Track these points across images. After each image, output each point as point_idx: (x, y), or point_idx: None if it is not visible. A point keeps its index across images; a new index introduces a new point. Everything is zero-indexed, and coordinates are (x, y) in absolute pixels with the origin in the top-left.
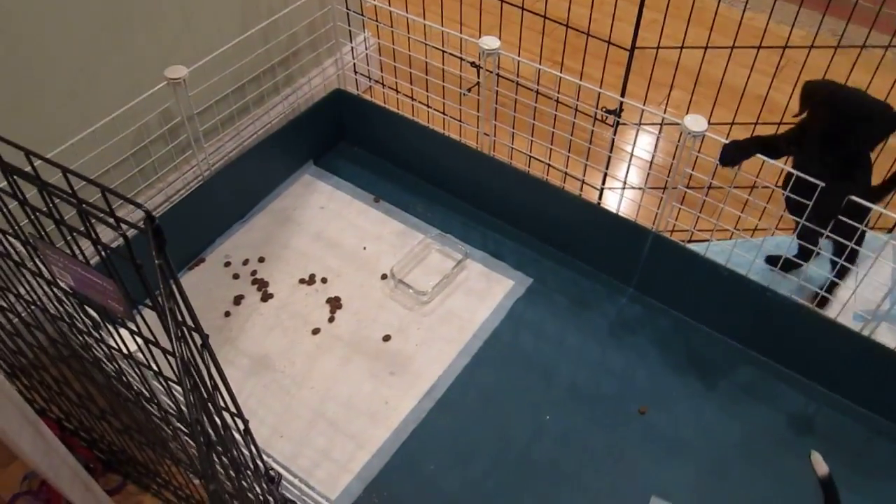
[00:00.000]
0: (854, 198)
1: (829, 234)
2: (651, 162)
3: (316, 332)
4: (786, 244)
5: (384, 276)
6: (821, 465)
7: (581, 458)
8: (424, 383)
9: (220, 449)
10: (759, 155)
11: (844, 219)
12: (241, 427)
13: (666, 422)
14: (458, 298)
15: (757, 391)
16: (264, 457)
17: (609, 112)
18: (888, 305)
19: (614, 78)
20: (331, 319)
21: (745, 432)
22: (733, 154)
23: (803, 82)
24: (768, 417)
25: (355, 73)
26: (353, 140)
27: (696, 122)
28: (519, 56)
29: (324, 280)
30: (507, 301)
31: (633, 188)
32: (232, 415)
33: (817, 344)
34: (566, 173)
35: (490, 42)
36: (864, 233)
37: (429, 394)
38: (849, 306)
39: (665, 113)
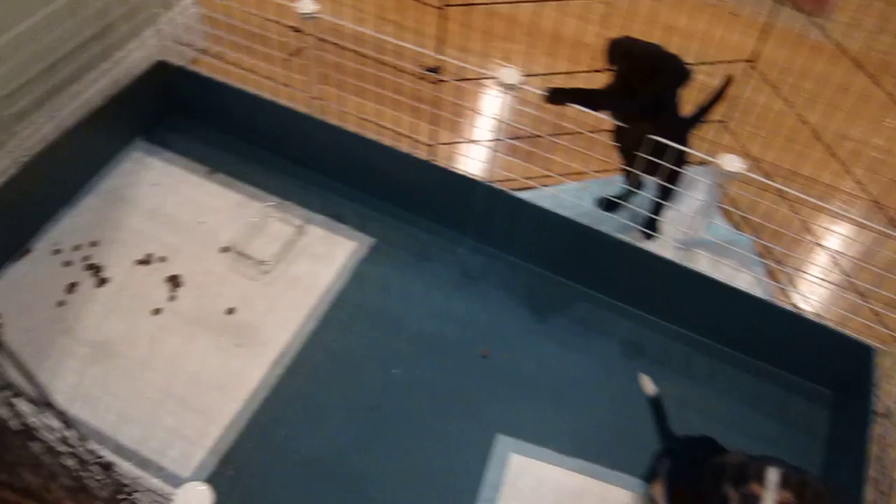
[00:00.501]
0: (656, 137)
1: (641, 173)
2: (490, 116)
3: (157, 312)
4: (614, 186)
5: (224, 249)
6: (649, 386)
7: (429, 404)
8: (272, 351)
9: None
10: (577, 106)
11: (649, 156)
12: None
13: (507, 361)
14: (302, 264)
15: (591, 324)
16: (96, 445)
17: (428, 70)
18: (698, 234)
19: (449, 35)
20: (172, 298)
21: (581, 363)
22: (559, 97)
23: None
24: (602, 347)
25: (179, 43)
26: (184, 113)
27: (510, 76)
28: (344, 19)
29: (162, 258)
30: (350, 262)
31: (463, 142)
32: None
33: (640, 275)
34: (397, 132)
35: (306, 6)
36: (680, 168)
37: (277, 361)
38: (670, 236)
39: (493, 65)
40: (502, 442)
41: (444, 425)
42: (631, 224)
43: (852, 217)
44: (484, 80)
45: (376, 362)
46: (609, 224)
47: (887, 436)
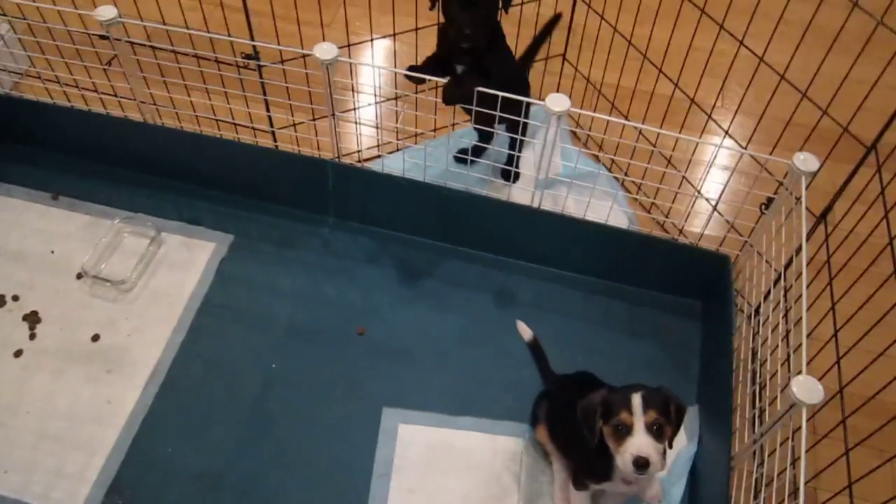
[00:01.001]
0: (484, 89)
1: (480, 126)
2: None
3: (18, 354)
4: (468, 138)
5: (80, 276)
6: (525, 331)
7: (312, 392)
8: (144, 371)
9: None
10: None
11: (480, 108)
12: None
13: (385, 334)
14: (162, 276)
15: (462, 281)
16: None
17: (247, 57)
18: (553, 173)
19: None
20: (32, 336)
21: (458, 323)
22: (415, 76)
23: None
24: (476, 302)
25: None
26: (15, 140)
27: (326, 51)
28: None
29: (15, 298)
30: (212, 264)
31: (301, 122)
32: None
33: (501, 224)
34: (235, 124)
35: (106, 12)
36: (526, 113)
37: (151, 380)
38: (528, 180)
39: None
40: (389, 415)
41: (329, 410)
42: (491, 173)
43: (692, 139)
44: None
45: (253, 361)
46: (469, 177)
47: (754, 332)
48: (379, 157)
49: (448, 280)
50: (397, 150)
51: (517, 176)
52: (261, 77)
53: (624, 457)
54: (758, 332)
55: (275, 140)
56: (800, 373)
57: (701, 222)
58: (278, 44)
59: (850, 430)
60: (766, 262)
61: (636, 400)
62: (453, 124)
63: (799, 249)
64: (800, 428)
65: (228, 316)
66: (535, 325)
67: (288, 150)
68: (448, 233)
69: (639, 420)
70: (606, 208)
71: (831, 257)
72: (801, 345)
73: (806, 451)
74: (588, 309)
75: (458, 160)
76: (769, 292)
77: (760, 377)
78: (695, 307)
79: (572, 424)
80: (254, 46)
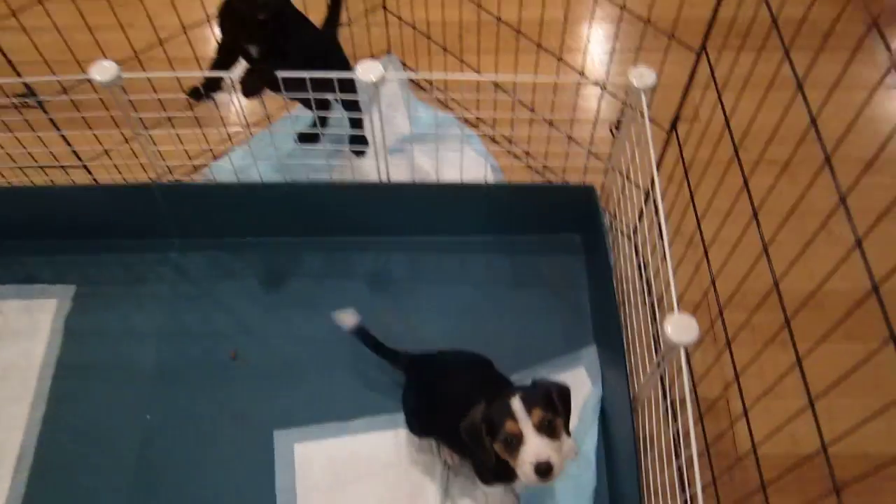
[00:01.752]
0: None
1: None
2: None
3: None
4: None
5: None
6: (348, 319)
7: (195, 434)
8: (9, 459)
9: None
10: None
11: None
12: None
13: (260, 352)
14: (6, 349)
15: (331, 273)
16: None
17: (22, 96)
18: (400, 133)
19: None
20: None
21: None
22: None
23: None
24: (351, 292)
25: None
26: None
27: (105, 71)
28: None
29: None
30: (57, 323)
31: (111, 149)
32: None
33: (355, 205)
34: (40, 166)
35: None
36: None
37: (19, 466)
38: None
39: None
40: (281, 437)
41: (217, 449)
42: (339, 147)
43: (527, 77)
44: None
45: (124, 417)
46: (312, 163)
47: (637, 255)
48: (213, 161)
49: (315, 276)
50: (225, 153)
51: (364, 143)
52: (45, 112)
53: (524, 468)
54: (640, 254)
55: (90, 173)
56: (672, 311)
57: (562, 156)
58: (53, 73)
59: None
60: (629, 180)
61: (516, 404)
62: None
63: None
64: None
65: (88, 375)
66: (414, 299)
67: (108, 183)
68: (303, 226)
69: (526, 425)
70: (468, 161)
71: (689, 168)
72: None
73: (692, 389)
74: (468, 271)
75: (303, 139)
76: (642, 212)
77: (650, 300)
78: (574, 241)
79: (447, 414)
80: (24, 83)
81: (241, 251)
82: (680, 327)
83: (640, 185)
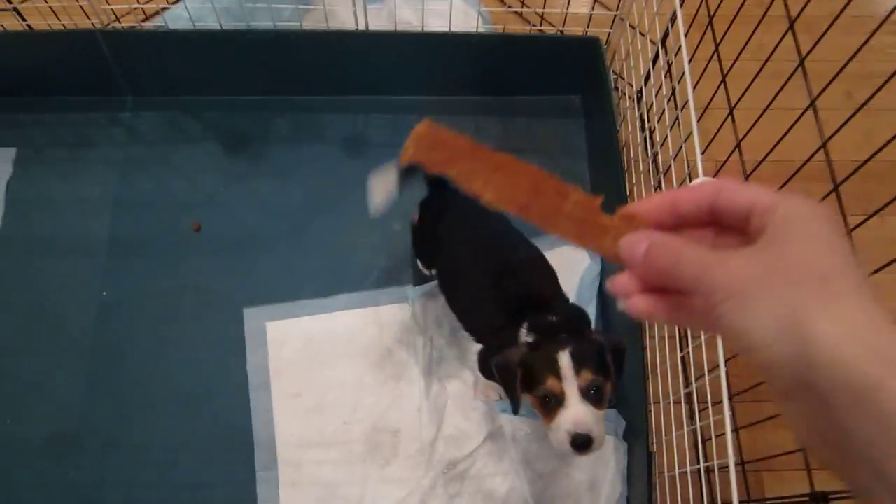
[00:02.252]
0: None
1: None
2: None
3: None
4: None
5: None
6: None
7: (156, 312)
8: None
9: None
10: None
11: None
12: None
13: (225, 223)
14: None
15: (303, 137)
16: None
17: None
18: None
19: None
20: None
21: (309, 189)
22: None
23: None
24: (326, 158)
25: None
26: None
27: None
28: None
29: None
30: None
31: None
32: None
33: (327, 59)
34: None
35: None
36: None
37: None
38: None
39: None
40: (251, 316)
41: (180, 329)
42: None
43: None
44: None
45: (77, 294)
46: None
47: (642, 118)
48: (166, 8)
49: (285, 140)
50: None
51: None
52: None
53: (558, 434)
54: (646, 118)
55: (22, 18)
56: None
57: (562, 4)
58: None
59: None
60: (642, 34)
61: (564, 360)
62: None
63: (674, 16)
64: None
65: (34, 248)
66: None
67: (44, 29)
68: (270, 83)
69: (571, 386)
70: (457, 11)
71: (714, 16)
72: (691, 134)
73: None
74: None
75: None
76: (649, 72)
77: (658, 172)
78: (573, 103)
79: (465, 282)
80: None
81: (201, 111)
82: None
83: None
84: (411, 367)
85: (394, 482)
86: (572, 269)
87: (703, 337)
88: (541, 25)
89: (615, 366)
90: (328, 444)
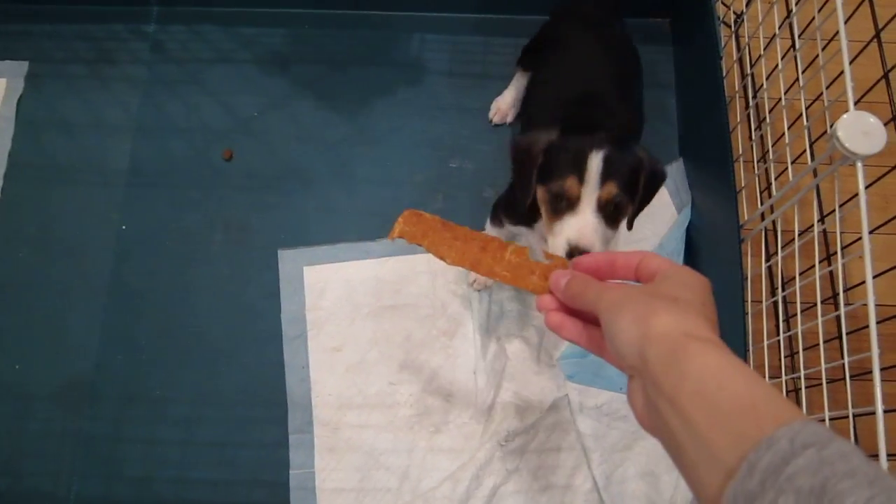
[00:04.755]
0: None
1: None
2: None
3: None
4: None
5: None
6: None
7: (180, 249)
8: None
9: None
10: None
11: None
12: None
13: (260, 153)
14: None
15: (350, 57)
16: None
17: None
18: None
19: None
20: None
21: (355, 115)
22: None
23: None
24: (376, 81)
25: None
26: None
27: None
28: None
29: None
30: (7, 108)
31: None
32: None
33: None
34: None
35: None
36: None
37: None
38: None
39: None
40: (287, 258)
41: (208, 269)
42: None
43: None
44: None
45: (95, 226)
46: None
47: (740, 48)
48: None
49: (330, 59)
50: None
51: None
52: None
53: (557, 239)
54: (747, 45)
55: None
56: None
57: None
58: None
59: None
60: None
61: (594, 162)
62: None
63: None
64: (855, 195)
65: (48, 174)
66: (458, 97)
67: None
68: None
69: (591, 193)
70: None
71: None
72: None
73: (870, 232)
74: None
75: None
76: None
77: (759, 111)
78: (661, 28)
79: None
80: None
81: (238, 24)
82: (857, 130)
83: None
84: (466, 322)
85: (444, 453)
86: (654, 218)
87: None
88: None
89: (645, 191)
90: (371, 406)
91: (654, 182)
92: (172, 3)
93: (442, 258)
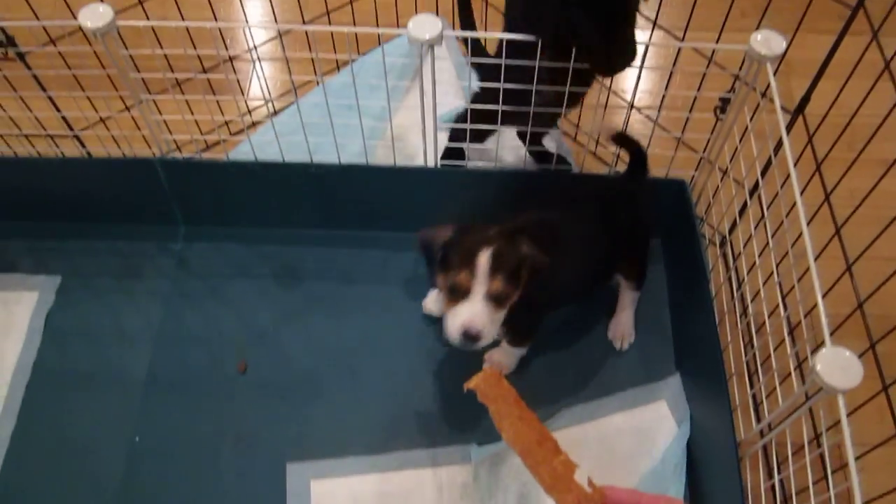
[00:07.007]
0: None
1: None
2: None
3: None
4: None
5: None
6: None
7: (192, 460)
8: None
9: None
10: None
11: None
12: None
13: (274, 364)
14: None
15: (361, 274)
16: None
17: None
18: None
19: None
20: None
21: (366, 329)
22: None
23: None
24: (385, 296)
25: None
26: None
27: (94, 16)
28: None
29: None
30: (37, 320)
31: (109, 116)
32: None
33: (394, 194)
34: (24, 135)
35: None
36: None
37: None
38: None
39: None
40: (295, 472)
41: (217, 481)
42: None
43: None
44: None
45: (109, 435)
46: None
47: (727, 266)
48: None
49: (342, 276)
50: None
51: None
52: (28, 68)
53: (453, 322)
54: (734, 264)
55: (82, 145)
56: (821, 344)
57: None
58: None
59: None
60: (736, 181)
61: (483, 259)
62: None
63: (778, 146)
64: (837, 424)
65: (69, 383)
66: None
67: (98, 155)
68: (331, 216)
69: (480, 286)
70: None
71: (821, 164)
72: (807, 269)
73: (856, 458)
74: None
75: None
76: (744, 208)
77: (747, 327)
78: (654, 248)
79: None
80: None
81: (257, 243)
82: (835, 366)
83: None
84: None
85: None
86: (652, 434)
87: None
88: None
89: (529, 275)
90: None
91: (538, 267)
92: (199, 223)
93: (500, 430)
